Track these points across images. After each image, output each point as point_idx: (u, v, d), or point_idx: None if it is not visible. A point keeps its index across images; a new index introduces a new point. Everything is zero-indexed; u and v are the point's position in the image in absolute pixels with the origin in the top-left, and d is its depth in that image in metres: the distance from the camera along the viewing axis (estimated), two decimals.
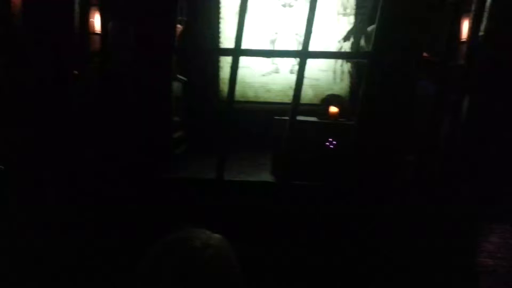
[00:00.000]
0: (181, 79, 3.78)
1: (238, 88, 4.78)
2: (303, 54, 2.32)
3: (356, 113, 2.41)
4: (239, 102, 4.79)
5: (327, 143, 2.91)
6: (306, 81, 4.80)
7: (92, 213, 2.54)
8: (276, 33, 4.79)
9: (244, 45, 4.50)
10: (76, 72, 2.75)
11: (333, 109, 3.13)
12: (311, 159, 2.73)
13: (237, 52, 2.38)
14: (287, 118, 2.66)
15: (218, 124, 3.04)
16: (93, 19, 3.37)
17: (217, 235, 0.82)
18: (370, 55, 2.27)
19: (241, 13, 2.32)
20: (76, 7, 2.70)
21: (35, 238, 2.44)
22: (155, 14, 2.54)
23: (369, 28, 3.53)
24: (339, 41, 4.02)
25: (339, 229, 2.33)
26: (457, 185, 2.37)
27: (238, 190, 2.55)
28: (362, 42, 3.58)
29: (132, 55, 2.71)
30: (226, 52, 4.47)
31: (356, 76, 4.33)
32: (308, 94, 4.85)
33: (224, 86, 4.79)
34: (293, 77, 4.72)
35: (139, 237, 1.71)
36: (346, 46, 4.10)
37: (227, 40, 4.74)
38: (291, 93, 4.70)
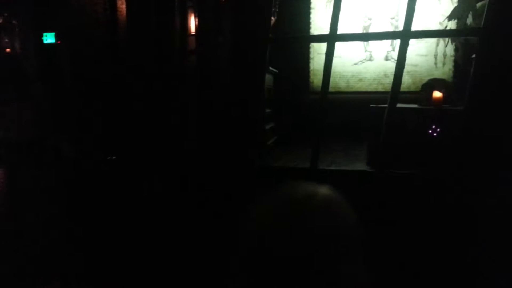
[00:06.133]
0: (272, 71, 3.81)
1: None
2: (405, 34, 2.15)
3: (465, 99, 2.18)
4: (330, 92, 4.69)
5: (430, 131, 2.71)
6: None
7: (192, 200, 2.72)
8: (370, 19, 4.57)
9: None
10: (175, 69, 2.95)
11: (437, 94, 2.89)
12: (412, 147, 2.56)
13: (333, 38, 2.31)
14: (385, 106, 2.52)
15: (309, 115, 3.01)
16: (190, 19, 3.60)
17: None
18: (482, 32, 2.03)
19: None
20: (176, 9, 2.90)
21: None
22: (251, 8, 2.60)
23: (479, 4, 3.20)
24: (440, 23, 3.68)
25: (440, 221, 2.16)
26: None
27: (332, 179, 2.50)
28: (470, 19, 3.25)
29: (227, 50, 2.81)
30: (321, 38, 4.31)
31: (462, 59, 3.94)
32: (405, 81, 4.53)
33: (314, 77, 4.72)
34: (389, 64, 4.51)
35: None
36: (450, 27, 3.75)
37: (317, 30, 4.67)
38: (386, 81, 4.54)
